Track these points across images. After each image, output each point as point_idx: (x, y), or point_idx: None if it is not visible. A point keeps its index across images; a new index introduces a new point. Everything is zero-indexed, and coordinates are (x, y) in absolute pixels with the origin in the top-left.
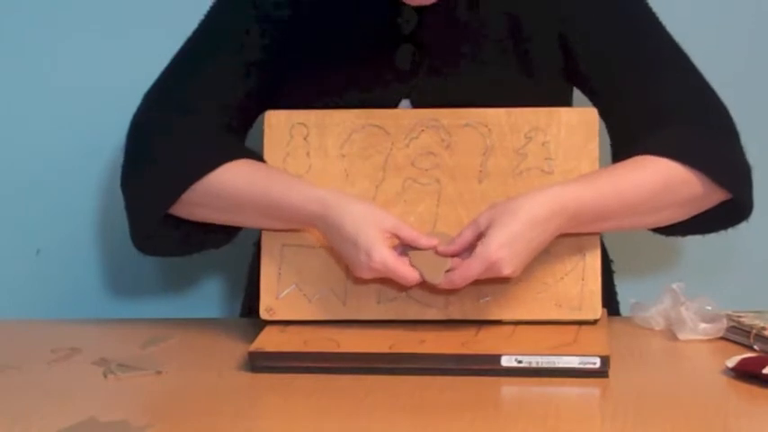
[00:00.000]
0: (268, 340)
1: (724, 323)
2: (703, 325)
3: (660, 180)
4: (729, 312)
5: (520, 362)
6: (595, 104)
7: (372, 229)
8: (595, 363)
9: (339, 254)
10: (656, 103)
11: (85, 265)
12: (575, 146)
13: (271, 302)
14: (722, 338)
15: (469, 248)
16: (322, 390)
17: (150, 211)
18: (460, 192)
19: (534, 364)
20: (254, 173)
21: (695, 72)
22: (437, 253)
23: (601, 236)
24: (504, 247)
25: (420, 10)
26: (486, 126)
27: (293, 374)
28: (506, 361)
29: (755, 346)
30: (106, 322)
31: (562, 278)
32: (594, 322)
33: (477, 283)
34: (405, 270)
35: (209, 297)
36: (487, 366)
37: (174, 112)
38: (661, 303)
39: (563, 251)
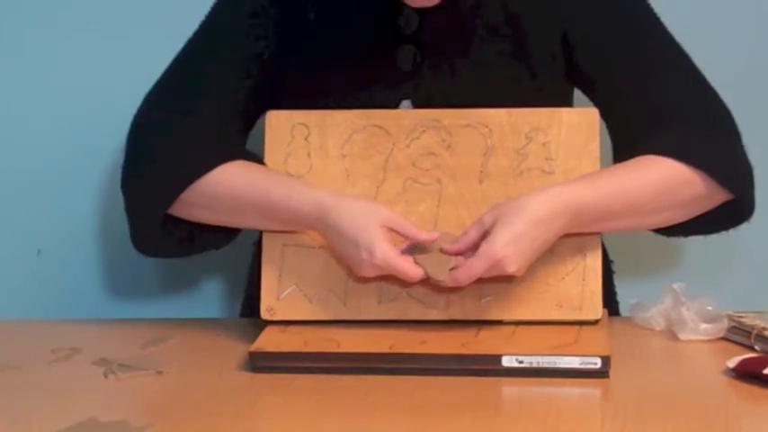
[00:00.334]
0: (268, 340)
1: (725, 323)
2: (704, 325)
3: (663, 180)
4: (730, 312)
5: (521, 362)
6: (596, 104)
7: (371, 225)
8: (596, 363)
9: (340, 255)
10: (656, 103)
11: (86, 266)
12: (575, 146)
13: (271, 302)
14: (723, 339)
15: (474, 248)
16: (322, 390)
17: (149, 211)
18: (461, 192)
19: (535, 365)
20: (253, 174)
21: (696, 72)
22: (442, 251)
23: (601, 236)
24: (509, 245)
25: (421, 11)
26: (487, 126)
27: (293, 374)
28: (507, 361)
29: (756, 347)
30: (106, 322)
31: (563, 278)
32: (595, 322)
33: (478, 282)
34: (407, 266)
35: (209, 297)
36: (488, 366)
37: (174, 113)
38: (662, 303)
39: (564, 251)
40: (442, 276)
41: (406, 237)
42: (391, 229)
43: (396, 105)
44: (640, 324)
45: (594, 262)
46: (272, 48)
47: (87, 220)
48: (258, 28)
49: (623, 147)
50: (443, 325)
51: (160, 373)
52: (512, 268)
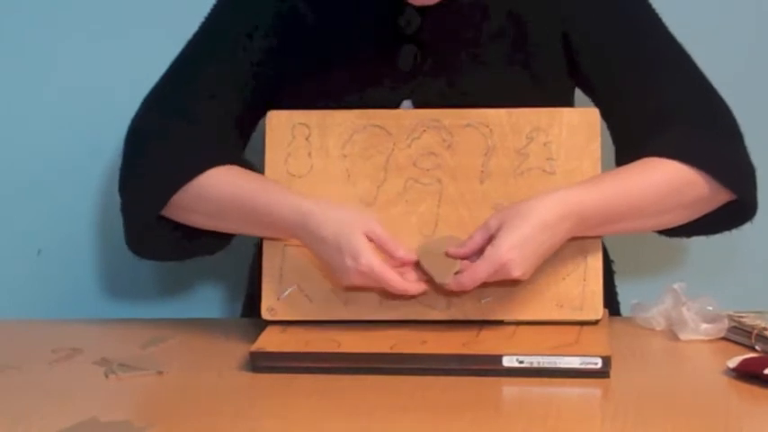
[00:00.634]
0: (269, 340)
1: (725, 323)
2: (704, 325)
3: (667, 182)
4: (731, 313)
5: (521, 362)
6: (597, 105)
7: (355, 232)
8: (597, 363)
9: (324, 262)
10: (658, 103)
11: (86, 266)
12: (576, 146)
13: (272, 303)
14: (723, 339)
15: (479, 252)
16: (323, 390)
17: (143, 213)
18: (462, 192)
19: (535, 365)
20: (242, 179)
21: (697, 72)
22: (447, 255)
23: (602, 237)
24: (515, 249)
25: (422, 10)
26: (488, 126)
27: (294, 374)
28: (508, 361)
29: (757, 347)
30: (107, 322)
31: (564, 279)
32: (596, 323)
33: (481, 285)
34: (391, 276)
35: (209, 297)
36: (489, 366)
37: (171, 117)
38: (662, 303)
39: (565, 252)
40: (447, 280)
41: (384, 251)
42: (371, 240)
43: (396, 105)
44: (641, 324)
45: (595, 262)
46: (272, 48)
47: (88, 221)
48: (258, 30)
49: (625, 147)
50: (444, 325)
51: (161, 373)
52: (517, 272)
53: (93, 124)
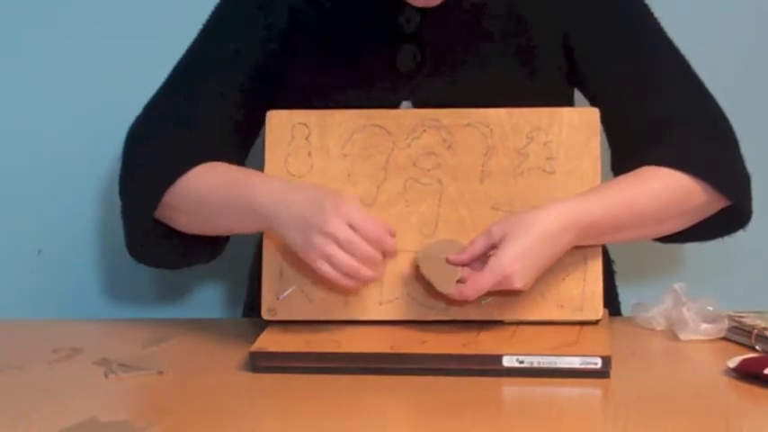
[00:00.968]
0: (270, 340)
1: (725, 323)
2: (705, 325)
3: (668, 191)
4: (731, 313)
5: (521, 362)
6: (595, 107)
7: (336, 191)
8: (597, 363)
9: (301, 227)
10: (656, 108)
11: (87, 266)
12: (576, 146)
13: (272, 303)
14: (723, 339)
15: (480, 258)
16: (323, 390)
17: (140, 217)
18: (462, 192)
19: (536, 365)
20: (225, 172)
21: (695, 79)
22: (448, 261)
23: None
24: (518, 261)
25: (422, 9)
26: (488, 126)
27: (294, 374)
28: (508, 361)
29: (757, 347)
30: (107, 322)
31: (564, 279)
32: (596, 323)
33: None
34: (378, 227)
35: (210, 297)
36: (489, 366)
37: (165, 122)
38: (662, 304)
39: (565, 252)
40: (450, 289)
41: (358, 229)
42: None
43: (396, 105)
44: (641, 324)
45: (595, 262)
46: (272, 50)
47: (88, 221)
48: (258, 32)
49: (622, 153)
50: (444, 325)
51: (161, 373)
52: (519, 284)
53: (93, 125)
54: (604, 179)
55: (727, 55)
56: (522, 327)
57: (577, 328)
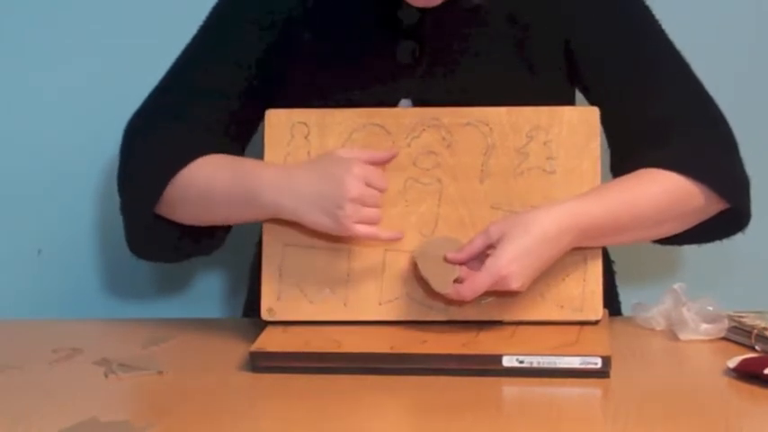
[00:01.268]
0: (269, 340)
1: (725, 323)
2: (704, 325)
3: (668, 194)
4: (731, 313)
5: (521, 362)
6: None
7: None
8: (597, 363)
9: (314, 198)
10: (655, 109)
11: (87, 266)
12: (576, 145)
13: (272, 303)
14: (723, 339)
15: (478, 256)
16: (323, 390)
17: (140, 212)
18: (462, 191)
19: (535, 365)
20: (224, 163)
21: (695, 81)
22: (446, 260)
23: None
24: (515, 262)
25: (422, 9)
26: (488, 125)
27: (294, 375)
28: (508, 361)
29: (757, 347)
30: (107, 322)
31: (564, 279)
32: (596, 323)
33: None
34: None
35: (210, 297)
36: (489, 366)
37: (163, 116)
38: (662, 304)
39: (565, 253)
40: (447, 289)
41: (373, 184)
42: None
43: (395, 102)
44: (641, 324)
45: (595, 263)
46: (271, 48)
47: (88, 220)
48: (257, 28)
49: (621, 153)
50: (444, 325)
51: (161, 373)
52: (516, 285)
53: (93, 125)
54: (604, 179)
55: (727, 55)
56: (521, 327)
57: (577, 328)
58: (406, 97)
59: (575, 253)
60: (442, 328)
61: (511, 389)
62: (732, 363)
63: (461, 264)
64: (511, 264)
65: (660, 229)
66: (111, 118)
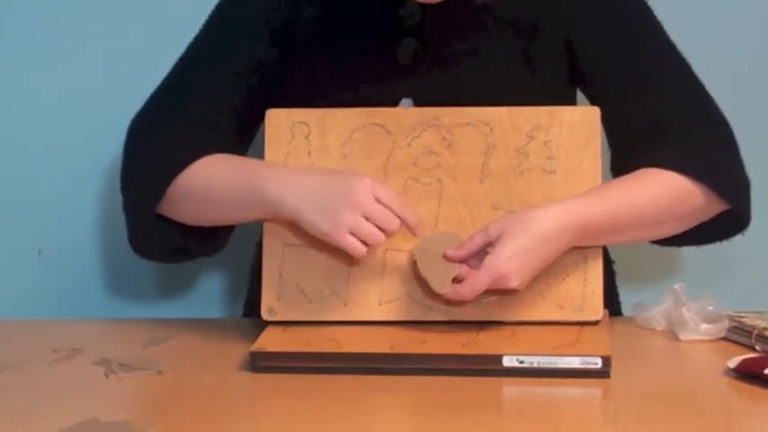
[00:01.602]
0: (270, 340)
1: (725, 324)
2: (705, 325)
3: (667, 194)
4: (731, 313)
5: (521, 362)
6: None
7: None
8: (597, 363)
9: (321, 204)
10: (656, 109)
11: (87, 266)
12: (576, 145)
13: (272, 303)
14: (723, 339)
15: (477, 254)
16: (323, 390)
17: (142, 211)
18: (462, 191)
19: (536, 365)
20: (228, 162)
21: (696, 81)
22: (445, 257)
23: None
24: (514, 260)
25: (423, 5)
26: (488, 125)
27: (294, 375)
28: (508, 361)
29: (757, 347)
30: (108, 322)
31: (564, 279)
32: (596, 323)
33: None
34: (399, 199)
35: (210, 297)
36: (489, 366)
37: (165, 116)
38: (663, 304)
39: (565, 253)
40: (445, 289)
41: (383, 201)
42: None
43: (396, 101)
44: (641, 324)
45: (595, 263)
46: (272, 47)
47: (88, 221)
48: (259, 27)
49: (622, 153)
50: (444, 325)
51: (161, 373)
52: (514, 283)
53: (93, 124)
54: (604, 179)
55: (728, 55)
56: (521, 327)
57: (577, 328)
58: (406, 97)
59: (575, 253)
60: (442, 329)
61: (511, 389)
62: (732, 363)
63: (461, 261)
64: (510, 262)
65: (660, 228)
66: (112, 118)
